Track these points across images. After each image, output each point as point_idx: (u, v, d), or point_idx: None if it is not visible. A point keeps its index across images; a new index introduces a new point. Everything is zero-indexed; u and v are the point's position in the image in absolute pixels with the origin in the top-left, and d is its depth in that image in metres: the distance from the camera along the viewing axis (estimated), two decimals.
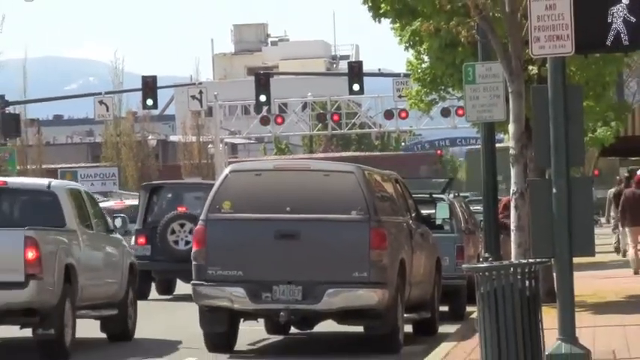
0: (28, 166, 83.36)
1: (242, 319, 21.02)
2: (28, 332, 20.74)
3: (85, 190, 24.63)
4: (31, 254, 19.68)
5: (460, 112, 47.18)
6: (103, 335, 22.87)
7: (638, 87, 47.57)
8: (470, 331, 20.56)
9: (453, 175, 44.15)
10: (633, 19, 14.84)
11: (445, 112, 63.48)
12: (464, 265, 21.84)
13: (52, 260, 20.11)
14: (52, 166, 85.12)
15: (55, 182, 23.92)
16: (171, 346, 22.22)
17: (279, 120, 78.20)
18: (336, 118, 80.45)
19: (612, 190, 42.35)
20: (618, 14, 14.82)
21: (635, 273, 33.37)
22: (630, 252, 34.52)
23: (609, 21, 14.85)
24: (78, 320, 21.11)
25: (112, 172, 75.04)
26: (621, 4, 14.82)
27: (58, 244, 20.84)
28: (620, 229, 38.37)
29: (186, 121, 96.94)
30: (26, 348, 21.70)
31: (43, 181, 24.64)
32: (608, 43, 15.09)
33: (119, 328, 23.17)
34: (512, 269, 15.56)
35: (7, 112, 71.79)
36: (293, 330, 22.18)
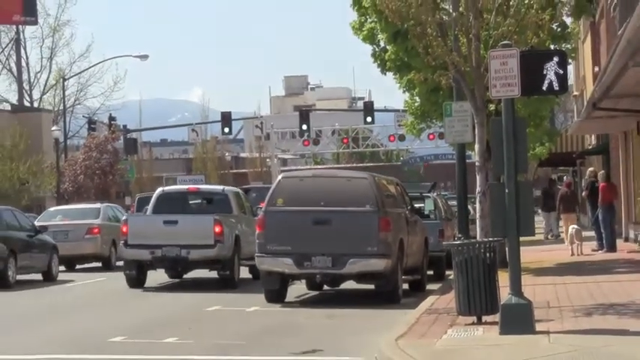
0: (143, 175, 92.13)
1: (291, 280, 24.79)
2: (213, 274, 29.95)
3: (240, 192, 34.06)
4: (217, 229, 28.96)
5: (441, 136, 50.87)
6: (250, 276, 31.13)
7: (565, 118, 50.69)
8: (448, 288, 23.06)
9: (436, 180, 48.30)
10: (561, 71, 17.38)
11: (431, 136, 69.22)
12: (444, 243, 26.84)
13: (227, 232, 29.16)
14: (159, 174, 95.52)
15: (226, 188, 34.66)
16: None
17: (316, 142, 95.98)
18: (351, 140, 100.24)
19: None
20: (550, 68, 17.28)
21: (571, 243, 35.76)
22: (568, 231, 37.08)
23: (544, 73, 17.24)
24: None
25: (200, 178, 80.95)
26: (552, 61, 17.27)
27: (230, 222, 29.87)
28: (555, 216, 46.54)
29: (251, 143, 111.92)
30: (211, 282, 29.91)
31: (219, 187, 35.82)
32: (544, 88, 17.59)
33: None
34: (477, 245, 18.18)
35: (128, 137, 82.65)
36: (325, 287, 26.34)
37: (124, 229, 29.89)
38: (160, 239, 28.98)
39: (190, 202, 31.93)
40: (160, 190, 33.51)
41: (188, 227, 29.29)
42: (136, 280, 29.62)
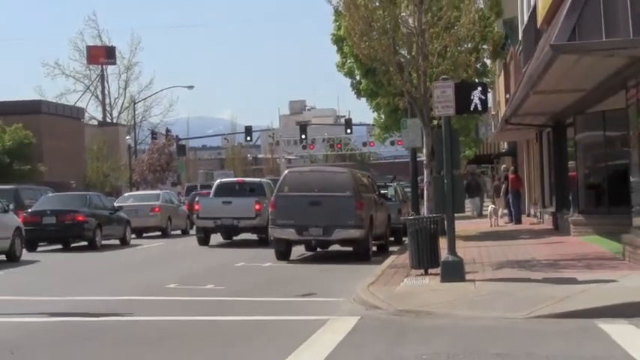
0: (189, 170, 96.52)
1: (293, 244, 24.56)
2: (254, 237, 31.50)
3: (270, 182, 33.98)
4: (257, 206, 30.64)
5: (400, 143, 50.91)
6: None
7: (485, 130, 50.74)
8: (404, 250, 22.82)
9: (394, 174, 49.08)
10: (483, 97, 17.31)
11: (392, 143, 69.83)
12: (401, 218, 27.73)
13: (263, 208, 29.75)
14: (201, 170, 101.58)
15: (262, 179, 37.00)
16: None
17: (312, 147, 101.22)
18: (339, 146, 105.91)
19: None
20: (476, 95, 17.14)
21: (490, 217, 36.47)
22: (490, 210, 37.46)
23: (471, 98, 17.10)
24: None
25: (230, 173, 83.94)
26: (477, 90, 17.19)
27: (264, 202, 29.94)
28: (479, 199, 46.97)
29: (266, 148, 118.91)
30: (242, 243, 31.39)
31: (257, 179, 37.12)
32: (471, 109, 17.49)
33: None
34: (425, 219, 18.08)
35: (179, 143, 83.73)
36: (318, 250, 26.27)
37: (197, 207, 32.34)
38: (220, 213, 31.01)
39: (238, 188, 32.94)
40: (218, 181, 35.84)
41: (238, 205, 31.04)
42: (204, 241, 31.75)
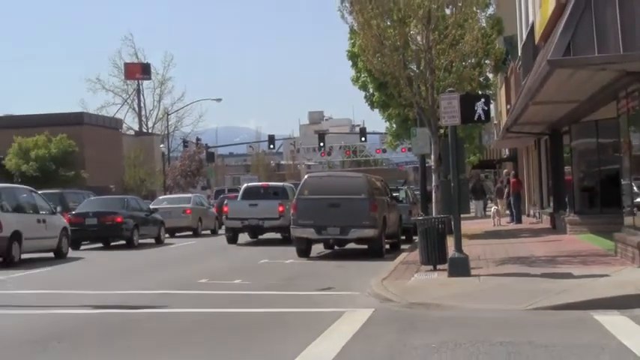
0: (218, 176, 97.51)
1: (313, 243, 24.50)
2: (277, 236, 31.65)
3: (292, 186, 33.59)
4: (280, 208, 30.59)
5: (409, 150, 50.93)
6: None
7: (488, 138, 50.59)
8: (414, 248, 22.78)
9: (406, 178, 49.09)
10: (486, 108, 17.24)
11: (403, 150, 70.14)
12: (412, 218, 27.30)
13: (286, 210, 29.18)
14: (228, 175, 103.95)
15: (285, 184, 35.94)
16: None
17: (329, 154, 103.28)
18: (354, 153, 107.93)
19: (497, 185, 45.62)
20: (479, 106, 17.08)
21: (493, 218, 36.33)
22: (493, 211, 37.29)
23: (475, 109, 17.07)
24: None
25: (255, 177, 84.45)
26: (480, 102, 17.19)
27: (287, 204, 29.45)
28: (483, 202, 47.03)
29: (288, 154, 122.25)
30: (266, 242, 31.39)
31: (280, 184, 36.25)
32: (475, 118, 17.40)
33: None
34: (433, 220, 17.99)
35: (208, 151, 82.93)
36: (335, 247, 25.96)
37: (226, 209, 32.17)
38: (247, 214, 31.06)
39: (263, 192, 33.02)
40: (245, 185, 35.70)
41: (263, 207, 31.06)
42: (232, 239, 31.62)
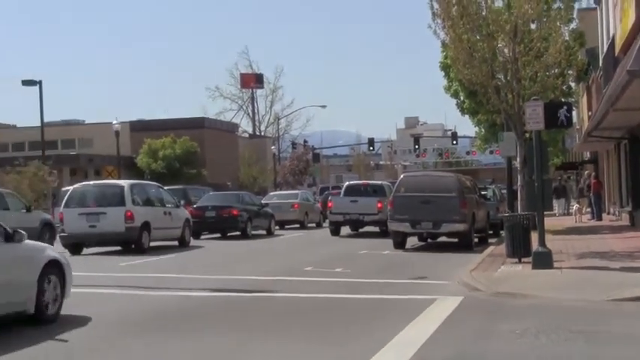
0: (323, 174, 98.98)
1: (408, 236, 24.24)
2: (376, 229, 31.09)
3: (390, 184, 32.44)
4: (379, 205, 30.34)
5: (497, 152, 49.71)
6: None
7: (570, 142, 49.11)
8: (501, 242, 22.31)
9: (494, 178, 48.26)
10: (568, 115, 16.94)
11: (491, 152, 68.81)
12: (499, 215, 26.08)
13: (384, 205, 28.40)
14: (332, 174, 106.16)
15: (383, 182, 35.21)
16: None
17: (424, 156, 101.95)
18: (447, 155, 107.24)
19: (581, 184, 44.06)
20: (562, 112, 16.78)
21: (575, 215, 35.62)
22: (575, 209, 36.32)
23: (558, 115, 16.76)
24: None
25: (356, 176, 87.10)
26: (563, 109, 16.89)
27: (384, 201, 28.69)
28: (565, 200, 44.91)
29: (386, 156, 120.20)
30: (374, 234, 30.44)
31: (379, 182, 35.83)
32: (558, 124, 17.15)
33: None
34: (519, 216, 17.65)
35: (314, 152, 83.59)
36: (429, 240, 25.65)
37: (330, 204, 32.47)
38: (348, 209, 31.10)
39: (363, 189, 32.91)
40: (347, 183, 35.69)
41: (363, 203, 31.04)
42: (335, 232, 31.62)
